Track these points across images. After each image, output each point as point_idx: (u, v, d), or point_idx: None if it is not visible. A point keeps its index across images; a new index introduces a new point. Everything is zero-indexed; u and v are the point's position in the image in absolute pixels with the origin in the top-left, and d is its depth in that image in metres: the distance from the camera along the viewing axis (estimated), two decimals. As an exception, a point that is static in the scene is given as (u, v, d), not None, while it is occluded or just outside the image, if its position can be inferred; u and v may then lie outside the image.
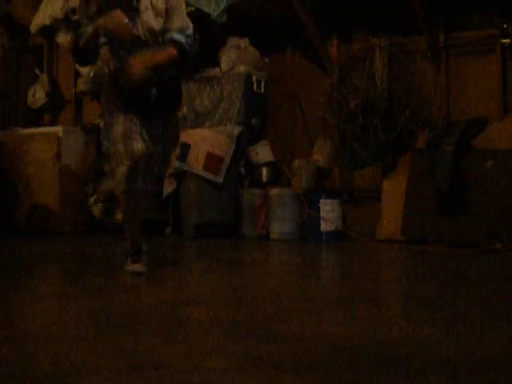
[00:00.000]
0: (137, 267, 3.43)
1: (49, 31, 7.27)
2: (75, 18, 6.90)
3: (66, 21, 7.06)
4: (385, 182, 5.46)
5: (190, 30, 3.58)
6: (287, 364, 1.66)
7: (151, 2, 3.51)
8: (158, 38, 3.51)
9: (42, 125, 7.46)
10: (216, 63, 6.38)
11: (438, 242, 4.84)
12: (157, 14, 3.52)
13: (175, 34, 3.51)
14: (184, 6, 3.69)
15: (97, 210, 6.48)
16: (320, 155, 6.09)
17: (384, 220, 5.34)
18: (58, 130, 6.59)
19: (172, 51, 3.47)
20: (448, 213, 4.88)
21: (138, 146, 3.35)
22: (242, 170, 6.17)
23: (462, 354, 1.75)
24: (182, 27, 3.54)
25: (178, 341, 1.92)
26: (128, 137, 3.36)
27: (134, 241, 3.46)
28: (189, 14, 6.29)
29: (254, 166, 6.21)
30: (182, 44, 3.49)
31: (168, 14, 3.54)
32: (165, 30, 3.52)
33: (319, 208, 5.54)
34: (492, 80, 5.57)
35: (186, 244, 5.61)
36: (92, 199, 6.52)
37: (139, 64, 3.38)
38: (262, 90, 6.38)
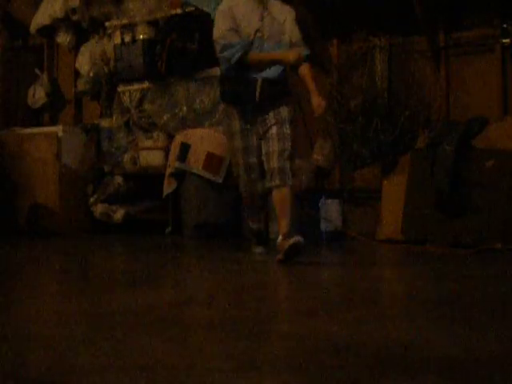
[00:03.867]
0: (259, 249, 4.48)
1: (49, 31, 7.28)
2: (75, 17, 6.94)
3: (65, 21, 7.07)
4: (385, 182, 5.46)
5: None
6: (287, 364, 1.66)
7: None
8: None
9: (42, 125, 7.46)
10: (216, 63, 6.37)
11: (438, 241, 4.84)
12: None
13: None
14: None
15: (97, 210, 6.48)
16: (320, 155, 6.08)
17: (384, 220, 5.34)
18: (57, 129, 6.59)
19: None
20: (448, 213, 4.88)
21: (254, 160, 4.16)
22: (242, 170, 6.17)
23: (462, 353, 1.75)
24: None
25: (178, 341, 1.92)
26: (246, 152, 4.17)
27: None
28: (189, 14, 6.35)
29: (254, 166, 6.20)
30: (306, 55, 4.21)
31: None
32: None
33: (319, 208, 5.54)
34: (492, 80, 5.57)
35: (185, 244, 5.61)
36: (92, 199, 6.52)
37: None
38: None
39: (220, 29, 4.09)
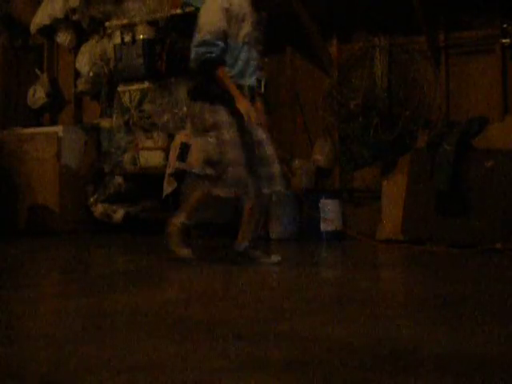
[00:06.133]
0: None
1: (49, 31, 7.28)
2: (75, 17, 6.93)
3: (65, 21, 7.06)
4: (385, 182, 5.46)
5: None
6: (287, 364, 1.66)
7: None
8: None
9: (42, 125, 7.46)
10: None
11: (438, 241, 4.84)
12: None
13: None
14: None
15: (97, 210, 6.48)
16: (320, 155, 6.08)
17: (384, 220, 5.34)
18: (57, 129, 6.59)
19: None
20: (448, 213, 4.88)
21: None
22: (242, 170, 6.16)
23: (461, 353, 1.75)
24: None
25: (178, 341, 1.92)
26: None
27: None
28: (189, 14, 6.34)
29: (254, 165, 6.20)
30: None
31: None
32: None
33: (319, 208, 5.54)
34: (492, 80, 5.56)
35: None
36: (92, 199, 6.52)
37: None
38: (262, 90, 6.37)
39: (215, 25, 3.86)
